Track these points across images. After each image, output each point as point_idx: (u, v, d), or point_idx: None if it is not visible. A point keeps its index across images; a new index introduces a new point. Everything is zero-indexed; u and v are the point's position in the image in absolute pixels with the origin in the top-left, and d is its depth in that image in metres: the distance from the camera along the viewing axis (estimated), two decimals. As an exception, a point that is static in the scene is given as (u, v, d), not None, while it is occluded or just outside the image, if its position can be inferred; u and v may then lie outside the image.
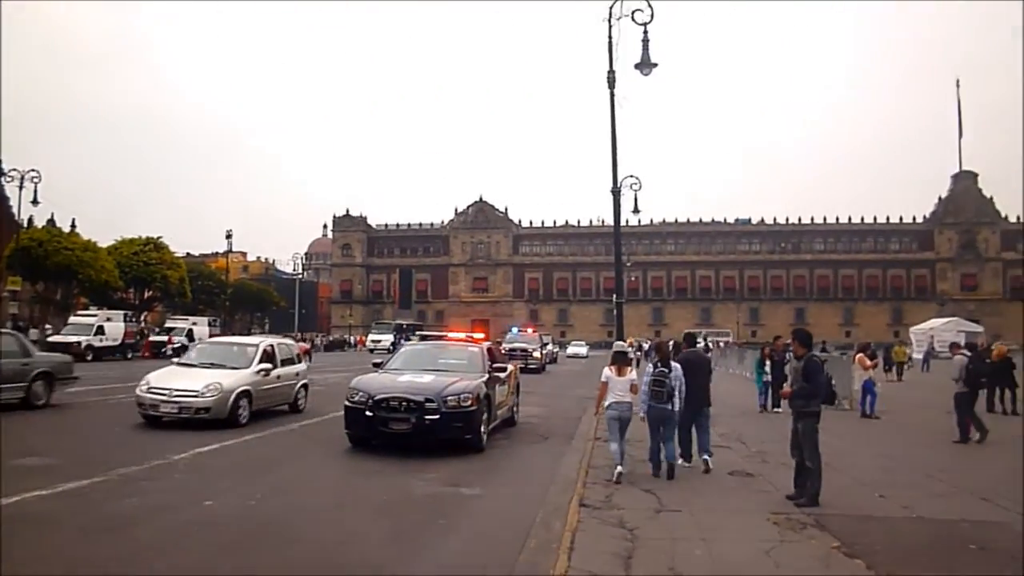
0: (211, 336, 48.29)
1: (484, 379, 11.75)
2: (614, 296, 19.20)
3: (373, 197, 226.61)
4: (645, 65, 17.92)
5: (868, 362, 17.37)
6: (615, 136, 18.13)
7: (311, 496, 8.33)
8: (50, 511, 7.17)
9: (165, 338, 44.38)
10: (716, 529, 6.77)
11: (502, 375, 13.18)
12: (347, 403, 10.99)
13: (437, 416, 10.44)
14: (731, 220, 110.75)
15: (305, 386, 16.28)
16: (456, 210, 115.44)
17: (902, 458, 11.56)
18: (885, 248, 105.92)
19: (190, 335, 45.06)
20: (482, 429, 11.21)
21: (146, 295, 61.71)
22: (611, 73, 17.50)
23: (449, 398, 10.62)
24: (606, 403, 9.13)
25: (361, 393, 10.86)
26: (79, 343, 35.59)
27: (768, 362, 17.74)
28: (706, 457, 9.82)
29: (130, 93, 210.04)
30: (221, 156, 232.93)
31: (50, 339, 37.29)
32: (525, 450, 11.94)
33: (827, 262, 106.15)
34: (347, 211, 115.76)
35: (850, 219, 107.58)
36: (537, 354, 35.89)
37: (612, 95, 17.74)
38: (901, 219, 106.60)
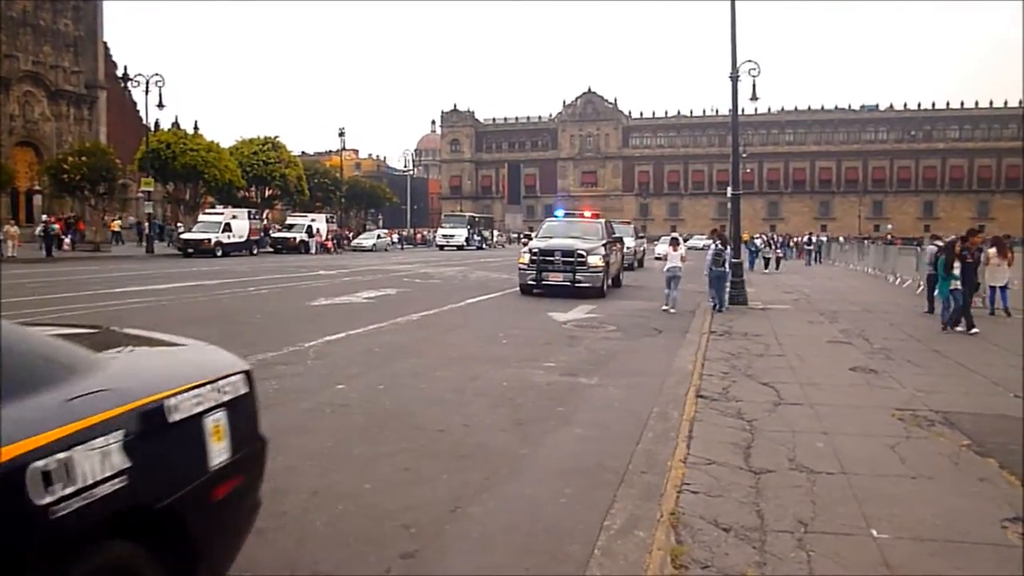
0: (329, 232, 50.47)
1: None
2: (728, 189, 18.65)
3: (481, 92, 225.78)
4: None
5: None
6: (735, 16, 17.22)
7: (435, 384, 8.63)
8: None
9: (289, 234, 46.65)
10: (838, 423, 6.65)
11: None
12: None
13: None
14: (856, 107, 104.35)
15: None
16: (564, 102, 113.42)
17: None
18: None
19: (309, 231, 47.24)
20: None
21: (266, 193, 64.23)
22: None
23: None
24: (665, 267, 16.63)
25: None
26: (209, 239, 37.69)
27: (958, 264, 13.29)
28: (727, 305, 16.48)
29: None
30: (328, 55, 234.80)
31: (183, 236, 39.68)
32: (639, 343, 11.99)
33: (962, 151, 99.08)
34: (455, 106, 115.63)
35: (991, 103, 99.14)
36: (596, 260, 18.95)
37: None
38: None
